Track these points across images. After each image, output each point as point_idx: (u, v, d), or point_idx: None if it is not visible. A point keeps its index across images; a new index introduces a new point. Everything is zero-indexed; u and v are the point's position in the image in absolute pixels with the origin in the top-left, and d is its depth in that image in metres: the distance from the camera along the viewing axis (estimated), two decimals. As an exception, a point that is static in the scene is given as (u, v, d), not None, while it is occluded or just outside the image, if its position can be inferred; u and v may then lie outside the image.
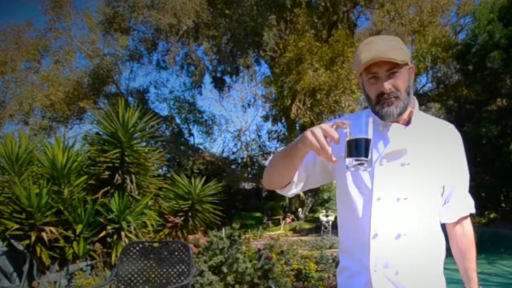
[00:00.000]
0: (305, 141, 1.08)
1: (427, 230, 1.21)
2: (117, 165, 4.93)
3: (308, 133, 1.08)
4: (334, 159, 1.07)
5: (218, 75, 16.78)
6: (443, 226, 1.28)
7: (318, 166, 1.28)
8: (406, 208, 1.18)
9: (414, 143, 1.22)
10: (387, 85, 1.17)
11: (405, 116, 1.25)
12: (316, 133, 1.06)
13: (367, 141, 1.04)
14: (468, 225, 1.30)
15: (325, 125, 1.07)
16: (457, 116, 13.10)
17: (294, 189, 1.29)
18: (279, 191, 1.33)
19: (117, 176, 4.90)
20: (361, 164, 1.04)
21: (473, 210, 1.29)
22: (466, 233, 1.29)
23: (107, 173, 4.94)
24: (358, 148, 1.04)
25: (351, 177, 1.24)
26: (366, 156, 1.04)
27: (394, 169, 1.19)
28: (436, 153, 1.23)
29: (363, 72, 1.22)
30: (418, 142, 1.22)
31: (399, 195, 1.18)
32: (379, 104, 1.20)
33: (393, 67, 1.17)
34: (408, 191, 1.19)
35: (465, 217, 1.28)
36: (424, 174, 1.20)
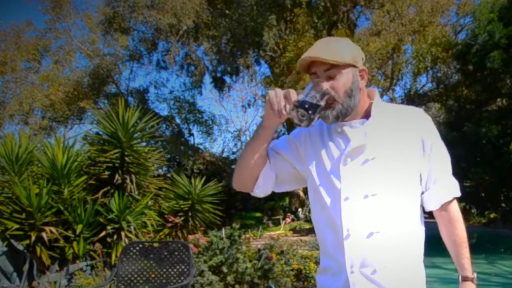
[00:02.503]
0: (267, 101, 1.15)
1: (402, 224, 1.16)
2: (117, 165, 4.93)
3: (270, 92, 1.15)
4: (284, 112, 1.11)
5: (218, 75, 16.80)
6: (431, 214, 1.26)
7: (286, 166, 1.29)
8: (376, 205, 1.15)
9: (376, 137, 1.18)
10: (324, 86, 1.15)
11: (361, 111, 1.22)
12: (277, 91, 1.13)
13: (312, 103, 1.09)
14: (454, 210, 1.23)
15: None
16: (457, 116, 13.10)
17: (263, 186, 1.29)
18: (250, 191, 1.33)
19: (117, 176, 4.90)
20: (300, 112, 1.09)
21: (457, 194, 1.23)
22: (453, 219, 1.22)
23: (107, 173, 4.94)
24: (302, 103, 1.09)
25: (320, 179, 1.22)
26: (307, 110, 1.08)
27: (358, 166, 1.16)
28: (403, 142, 1.19)
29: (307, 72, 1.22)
30: (380, 134, 1.18)
31: (366, 192, 1.15)
32: None
33: (330, 68, 1.15)
34: (376, 187, 1.15)
35: (450, 202, 1.22)
36: (391, 166, 1.16)
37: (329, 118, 1.18)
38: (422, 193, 1.21)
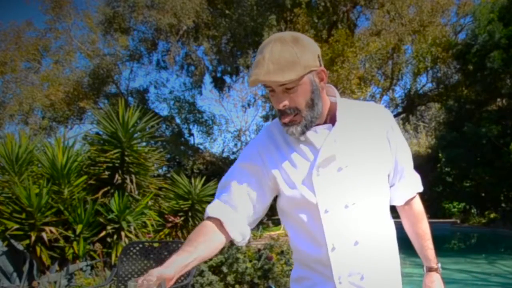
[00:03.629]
0: None
1: (382, 227, 1.16)
2: (117, 165, 4.93)
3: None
4: None
5: (218, 75, 16.80)
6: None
7: (260, 188, 1.17)
8: (357, 213, 1.12)
9: (345, 142, 1.13)
10: (282, 103, 1.06)
11: (324, 113, 1.14)
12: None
13: None
14: (417, 204, 1.27)
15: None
16: (457, 116, 13.11)
17: (245, 232, 1.18)
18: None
19: (117, 176, 4.90)
20: None
21: (420, 189, 1.25)
22: (416, 213, 1.26)
23: (107, 173, 4.94)
24: None
25: (289, 193, 1.14)
26: None
27: (332, 176, 1.11)
28: (372, 144, 1.14)
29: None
30: (349, 139, 1.13)
31: (346, 202, 1.11)
32: (281, 120, 1.10)
33: (285, 83, 1.05)
34: (354, 194, 1.11)
35: (414, 197, 1.26)
36: (365, 171, 1.12)
37: (295, 135, 1.10)
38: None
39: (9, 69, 17.21)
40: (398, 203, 1.26)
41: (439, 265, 1.25)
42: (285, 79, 1.03)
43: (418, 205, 1.27)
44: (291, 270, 3.53)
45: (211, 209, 1.18)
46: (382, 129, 1.17)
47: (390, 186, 1.22)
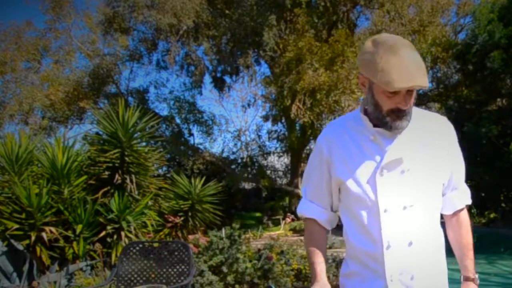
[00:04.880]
0: None
1: (435, 232, 1.24)
2: (117, 165, 4.93)
3: None
4: None
5: (218, 75, 16.77)
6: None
7: (331, 185, 1.32)
8: (414, 215, 1.20)
9: (410, 148, 1.21)
10: (408, 104, 1.17)
11: None
12: None
13: None
14: (464, 216, 1.30)
15: None
16: (457, 116, 13.08)
17: (334, 220, 1.36)
18: None
19: (117, 176, 4.90)
20: None
21: (469, 201, 1.31)
22: (462, 224, 1.29)
23: (107, 173, 4.94)
24: None
25: (354, 189, 1.23)
26: None
27: (395, 177, 1.19)
28: (433, 152, 1.23)
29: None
30: (414, 145, 1.21)
31: (405, 203, 1.19)
32: (390, 117, 1.17)
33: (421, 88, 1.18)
34: (413, 197, 1.20)
35: (462, 208, 1.30)
36: (425, 177, 1.21)
37: (403, 128, 1.19)
38: None
39: (9, 69, 17.19)
40: (447, 212, 1.30)
41: (477, 276, 1.26)
42: (427, 85, 1.16)
43: (465, 216, 1.31)
44: (291, 270, 3.55)
45: (306, 211, 1.36)
46: (445, 141, 1.25)
47: (443, 195, 1.28)
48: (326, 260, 1.35)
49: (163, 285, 0.86)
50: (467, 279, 1.25)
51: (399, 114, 1.16)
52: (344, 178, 1.23)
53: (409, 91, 1.15)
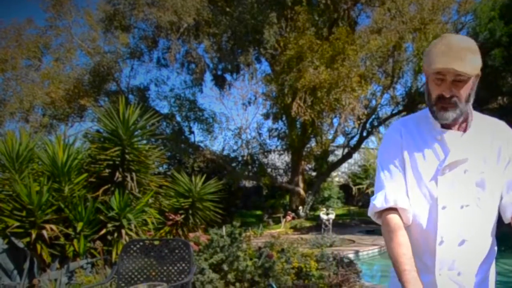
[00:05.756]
0: None
1: (487, 234, 1.27)
2: (117, 163, 4.93)
3: None
4: None
5: (219, 73, 16.75)
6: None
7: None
8: (469, 215, 1.24)
9: (472, 150, 1.25)
10: (449, 92, 1.20)
11: (461, 120, 1.28)
12: None
13: None
14: None
15: None
16: (458, 114, 13.06)
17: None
18: None
19: (117, 174, 4.90)
20: None
21: None
22: None
23: (107, 171, 4.94)
24: None
25: (417, 184, 1.27)
26: None
27: (456, 177, 1.23)
28: (494, 157, 1.26)
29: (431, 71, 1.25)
30: (476, 148, 1.26)
31: (462, 203, 1.23)
32: (436, 106, 1.23)
33: (460, 75, 1.19)
34: (470, 198, 1.24)
35: None
36: (484, 179, 1.24)
37: (448, 120, 1.23)
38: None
39: (9, 66, 17.18)
40: (507, 216, 1.27)
41: None
42: (472, 71, 1.18)
43: None
44: (291, 268, 3.55)
45: (385, 201, 1.29)
46: (504, 146, 1.27)
47: (502, 199, 1.28)
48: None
49: (163, 283, 0.86)
50: None
51: (444, 103, 1.21)
52: (407, 169, 1.28)
53: (455, 81, 1.19)
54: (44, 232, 4.27)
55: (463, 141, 1.25)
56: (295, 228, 13.07)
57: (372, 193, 1.53)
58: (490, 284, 1.31)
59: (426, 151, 1.27)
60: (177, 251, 2.95)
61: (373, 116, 16.73)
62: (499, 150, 1.26)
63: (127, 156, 4.94)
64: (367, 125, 16.66)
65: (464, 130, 1.27)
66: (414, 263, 1.22)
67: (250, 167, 17.19)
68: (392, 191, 1.28)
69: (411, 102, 16.14)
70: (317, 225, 12.61)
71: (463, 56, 1.19)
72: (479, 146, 1.26)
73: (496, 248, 1.32)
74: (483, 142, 1.26)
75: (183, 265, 2.91)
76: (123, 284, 2.92)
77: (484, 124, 1.30)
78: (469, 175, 1.24)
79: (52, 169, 4.73)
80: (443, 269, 1.23)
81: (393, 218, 1.26)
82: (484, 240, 1.27)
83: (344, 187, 19.83)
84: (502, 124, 1.33)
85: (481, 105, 12.83)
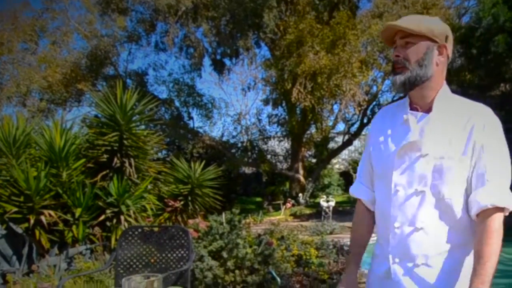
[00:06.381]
0: None
1: (448, 223, 1.14)
2: (115, 148, 4.88)
3: None
4: None
5: (218, 57, 16.54)
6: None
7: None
8: (423, 201, 1.14)
9: (433, 133, 1.16)
10: (395, 53, 1.19)
11: (430, 97, 1.21)
12: None
13: None
14: (492, 222, 1.08)
15: None
16: (459, 101, 12.93)
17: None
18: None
19: (115, 159, 4.85)
20: None
21: (502, 203, 1.08)
22: (486, 230, 1.08)
23: (105, 156, 4.89)
24: None
25: (378, 168, 1.26)
26: None
27: (411, 160, 1.16)
28: (462, 141, 1.14)
29: None
30: (440, 131, 1.16)
31: (416, 187, 1.15)
32: (392, 71, 1.21)
33: (406, 36, 1.17)
34: (425, 183, 1.14)
35: (493, 212, 1.08)
36: (443, 165, 1.13)
37: (396, 83, 1.19)
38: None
39: (6, 50, 16.93)
40: (473, 211, 1.12)
41: None
42: (409, 26, 1.16)
43: (491, 222, 1.08)
44: (291, 255, 3.52)
45: (354, 190, 1.39)
46: (480, 132, 1.14)
47: (471, 192, 1.14)
48: (360, 245, 1.35)
49: (158, 274, 0.84)
50: None
51: (394, 66, 1.19)
52: (373, 157, 1.28)
53: (405, 44, 1.18)
54: (43, 217, 4.25)
55: (425, 122, 1.17)
56: (295, 215, 13.12)
57: None
58: (461, 281, 1.13)
59: (391, 134, 1.23)
60: (176, 238, 2.92)
61: (374, 103, 16.61)
62: (470, 135, 1.13)
63: (125, 142, 4.88)
64: (368, 112, 16.56)
65: (409, 82, 1.18)
66: (376, 252, 1.27)
67: (249, 153, 17.16)
68: (356, 183, 1.38)
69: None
70: (317, 212, 12.65)
71: (410, 18, 1.20)
72: (445, 129, 1.15)
73: (468, 247, 1.15)
74: (452, 125, 1.15)
75: (182, 252, 2.88)
76: (121, 271, 2.90)
77: (459, 107, 1.19)
78: (427, 159, 1.14)
79: (49, 154, 4.68)
80: (397, 257, 1.16)
81: (357, 208, 1.38)
82: (443, 231, 1.13)
83: (345, 174, 19.87)
84: (484, 108, 1.19)
85: (483, 92, 12.74)
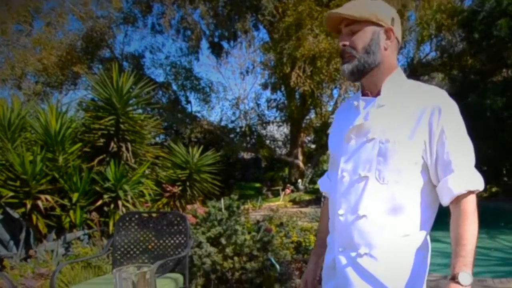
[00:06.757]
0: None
1: (391, 210, 1.09)
2: (112, 132, 4.81)
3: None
4: None
5: (215, 40, 16.27)
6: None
7: None
8: (366, 187, 1.10)
9: (380, 116, 1.12)
10: (341, 41, 1.16)
11: (379, 86, 1.16)
12: None
13: None
14: (465, 203, 1.06)
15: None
16: (461, 87, 12.81)
17: None
18: None
19: (112, 143, 4.79)
20: None
21: (474, 187, 1.07)
22: (461, 212, 1.06)
23: (102, 140, 4.83)
24: None
25: (331, 153, 1.27)
26: None
27: (358, 145, 1.14)
28: (408, 124, 1.09)
29: None
30: (386, 115, 1.12)
31: (360, 173, 1.11)
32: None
33: (350, 24, 1.14)
34: (369, 168, 1.10)
35: (465, 196, 1.06)
36: (387, 149, 1.09)
37: (345, 73, 1.16)
38: (435, 186, 1.12)
39: (0, 31, 16.59)
40: (445, 200, 1.09)
41: (464, 275, 0.99)
42: (350, 13, 1.12)
43: (467, 206, 1.06)
44: (290, 242, 3.47)
45: (321, 184, 1.38)
46: (427, 114, 1.09)
47: (437, 183, 1.11)
48: (321, 237, 1.34)
49: (151, 265, 0.81)
50: (451, 277, 1.01)
51: (342, 55, 1.15)
52: (328, 146, 1.27)
53: (349, 31, 1.14)
54: (39, 202, 4.22)
55: (371, 106, 1.15)
56: (294, 201, 13.14)
57: None
58: (408, 273, 1.08)
59: (344, 120, 1.22)
60: (174, 224, 2.89)
61: (374, 87, 16.47)
62: (420, 118, 1.08)
63: (121, 126, 4.81)
64: (367, 97, 16.44)
65: (357, 70, 1.15)
66: (330, 240, 1.24)
67: (248, 138, 17.09)
68: (323, 177, 1.37)
69: (413, 74, 15.85)
70: (317, 199, 12.66)
71: (352, 3, 1.16)
72: (392, 112, 1.11)
73: (421, 234, 1.11)
74: (400, 108, 1.11)
75: (180, 238, 2.86)
76: (119, 257, 2.88)
77: (410, 90, 1.13)
78: (373, 144, 1.11)
79: (45, 138, 4.61)
80: (341, 247, 1.12)
81: (326, 199, 1.34)
82: (387, 219, 1.08)
83: (343, 160, 19.78)
84: (437, 91, 1.13)
85: (485, 78, 12.61)
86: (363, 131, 1.13)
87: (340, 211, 1.13)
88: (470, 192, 1.07)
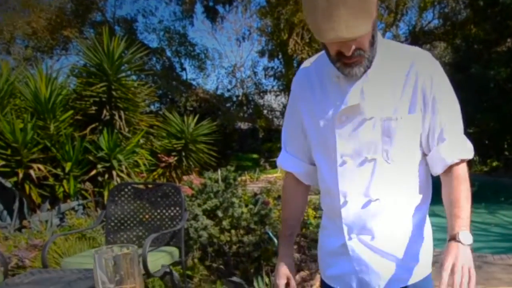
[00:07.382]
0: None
1: (404, 191, 1.07)
2: (104, 99, 4.66)
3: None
4: None
5: (210, 4, 15.67)
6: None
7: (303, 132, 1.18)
8: (375, 170, 1.05)
9: (375, 92, 1.03)
10: (352, 49, 0.97)
11: None
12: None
13: None
14: (459, 169, 1.04)
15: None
16: (464, 57, 12.48)
17: (312, 173, 1.21)
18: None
19: (104, 111, 4.65)
20: None
21: (466, 155, 1.05)
22: (454, 177, 1.04)
23: (94, 108, 4.69)
24: None
25: (314, 139, 1.13)
26: None
27: (355, 126, 1.04)
28: (406, 98, 1.03)
29: None
30: (380, 89, 1.03)
31: (365, 155, 1.05)
32: (339, 62, 1.01)
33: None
34: (375, 149, 1.04)
35: (457, 164, 1.05)
36: (391, 126, 1.03)
37: (357, 75, 1.02)
38: (426, 155, 1.08)
39: (-15, -8, 15.83)
40: (438, 170, 1.06)
41: (465, 235, 0.95)
42: (366, 31, 0.96)
43: (461, 171, 1.05)
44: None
45: (283, 162, 1.25)
46: (425, 82, 1.03)
47: (428, 152, 1.08)
48: (292, 225, 1.23)
49: (134, 245, 0.75)
50: (450, 238, 0.97)
51: (347, 59, 0.99)
52: (307, 125, 1.13)
53: (353, 40, 0.97)
54: (32, 171, 4.13)
55: (360, 84, 1.03)
56: (291, 172, 13.12)
57: None
58: (424, 249, 1.11)
59: (324, 97, 1.09)
60: (169, 195, 2.81)
61: (374, 56, 16.14)
62: (415, 89, 1.02)
63: (114, 93, 4.65)
64: (367, 65, 16.15)
65: (367, 67, 1.03)
66: (324, 225, 1.20)
67: (245, 108, 16.88)
68: (283, 153, 1.24)
69: (415, 42, 15.47)
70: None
71: (348, 18, 0.91)
72: (386, 86, 1.03)
73: (425, 207, 1.12)
74: (394, 80, 1.03)
75: (175, 210, 2.79)
76: (112, 229, 2.82)
77: (398, 56, 1.05)
78: (373, 123, 1.03)
79: (35, 105, 4.46)
80: (353, 232, 1.09)
81: (286, 182, 1.26)
82: (399, 200, 1.07)
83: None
84: (425, 55, 1.06)
85: (489, 48, 12.27)
86: (358, 110, 1.04)
87: (349, 197, 1.07)
88: (462, 161, 1.05)
